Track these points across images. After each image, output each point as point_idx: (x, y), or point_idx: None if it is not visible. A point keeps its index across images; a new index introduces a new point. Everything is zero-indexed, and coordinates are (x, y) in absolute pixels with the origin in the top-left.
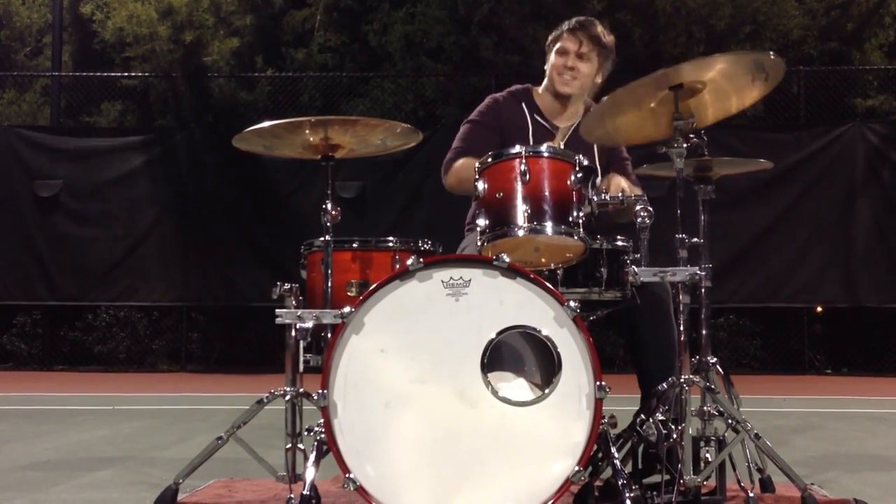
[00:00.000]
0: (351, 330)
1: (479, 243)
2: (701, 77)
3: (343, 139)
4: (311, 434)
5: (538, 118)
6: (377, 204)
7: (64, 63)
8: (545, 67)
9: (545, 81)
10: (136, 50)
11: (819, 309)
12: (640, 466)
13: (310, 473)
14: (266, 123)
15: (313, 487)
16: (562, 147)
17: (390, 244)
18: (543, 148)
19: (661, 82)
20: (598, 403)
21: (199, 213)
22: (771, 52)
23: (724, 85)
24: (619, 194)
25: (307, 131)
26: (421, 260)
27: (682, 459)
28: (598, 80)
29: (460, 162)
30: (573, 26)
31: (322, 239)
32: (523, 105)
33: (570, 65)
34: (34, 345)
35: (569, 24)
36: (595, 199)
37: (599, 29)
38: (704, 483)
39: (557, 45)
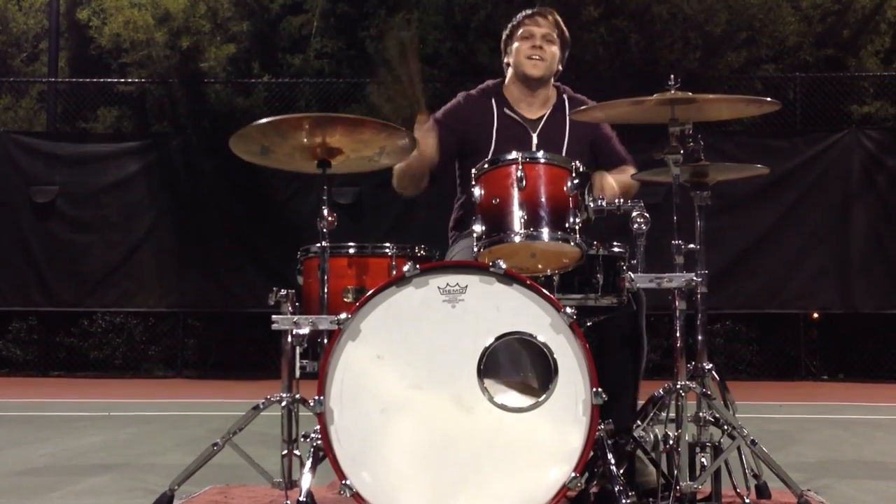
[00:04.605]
0: (347, 336)
1: (475, 249)
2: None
3: (342, 143)
4: (308, 440)
5: (507, 111)
6: (373, 210)
7: (60, 69)
8: (506, 62)
9: (510, 74)
10: (132, 56)
11: (815, 315)
12: (635, 473)
13: (306, 480)
14: (264, 120)
15: (309, 494)
16: (535, 139)
17: (387, 250)
18: (540, 154)
19: (665, 100)
20: (595, 409)
21: (196, 218)
22: (769, 97)
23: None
24: (617, 201)
25: (304, 139)
26: (417, 266)
27: (679, 465)
28: (560, 67)
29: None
30: (535, 12)
31: (318, 245)
32: (493, 100)
33: (537, 44)
34: (30, 351)
35: (528, 11)
36: (592, 205)
37: (558, 17)
38: (700, 489)
39: (521, 31)
